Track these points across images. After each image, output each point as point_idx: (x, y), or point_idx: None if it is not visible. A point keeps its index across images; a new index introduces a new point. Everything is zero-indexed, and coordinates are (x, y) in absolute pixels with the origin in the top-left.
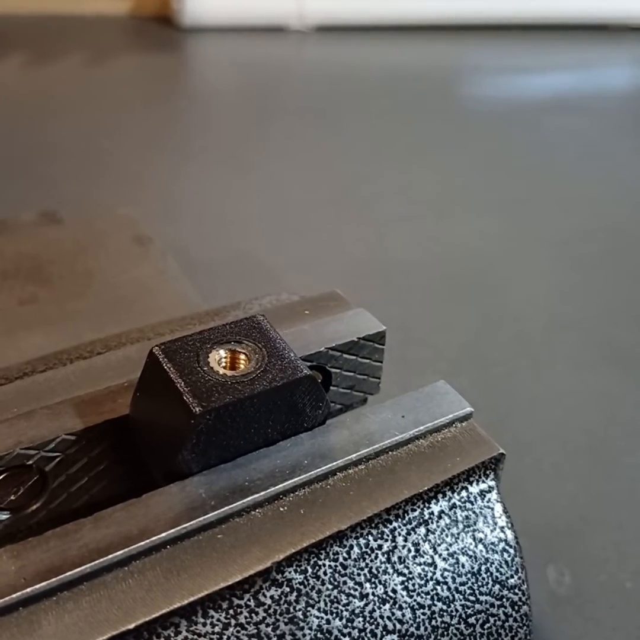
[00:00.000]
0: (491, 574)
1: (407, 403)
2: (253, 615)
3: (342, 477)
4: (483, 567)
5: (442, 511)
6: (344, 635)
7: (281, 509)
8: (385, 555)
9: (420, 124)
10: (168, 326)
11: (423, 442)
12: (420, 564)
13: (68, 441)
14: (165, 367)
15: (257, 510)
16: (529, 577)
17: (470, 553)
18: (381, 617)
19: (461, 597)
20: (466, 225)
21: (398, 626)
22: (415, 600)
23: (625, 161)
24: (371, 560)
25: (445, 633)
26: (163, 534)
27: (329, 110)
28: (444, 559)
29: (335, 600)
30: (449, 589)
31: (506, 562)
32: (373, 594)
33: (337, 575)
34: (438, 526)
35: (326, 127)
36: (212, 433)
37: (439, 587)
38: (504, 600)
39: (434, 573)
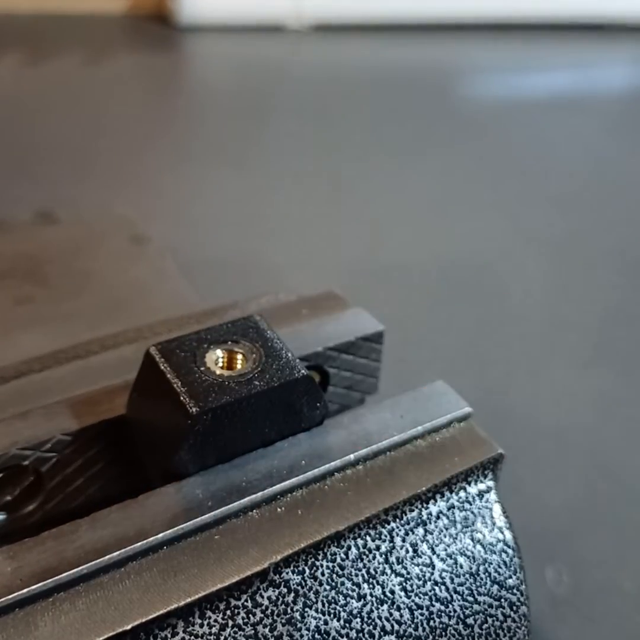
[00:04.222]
0: (489, 574)
1: (405, 403)
2: (250, 616)
3: (340, 477)
4: (481, 568)
5: (440, 512)
6: (342, 636)
7: (279, 510)
8: (383, 556)
9: (418, 123)
10: (165, 326)
11: (421, 442)
12: (418, 565)
13: (64, 441)
14: (162, 367)
15: (254, 511)
16: (527, 577)
17: (469, 554)
18: (379, 617)
19: (459, 597)
20: (465, 224)
21: (396, 627)
22: (413, 601)
23: (624, 160)
24: (369, 561)
25: (444, 634)
26: (160, 535)
27: (327, 109)
28: (442, 559)
29: (333, 601)
30: (447, 589)
31: (505, 562)
32: (371, 594)
33: (334, 576)
34: (436, 527)
35: (324, 127)
36: (209, 433)
37: (437, 588)
38: (503, 600)
39: (432, 574)
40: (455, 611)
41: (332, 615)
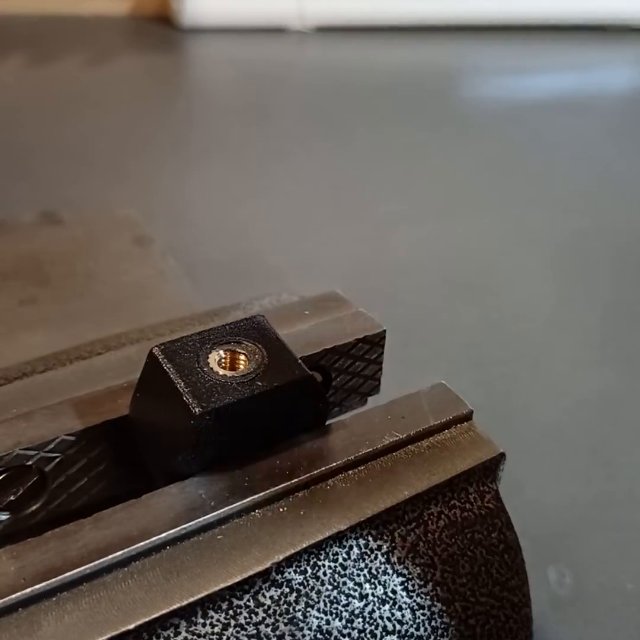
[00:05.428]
0: (491, 575)
1: (407, 404)
2: (253, 615)
3: (342, 477)
4: (483, 569)
5: (441, 512)
6: (344, 636)
7: (281, 510)
8: (385, 556)
9: (420, 124)
10: (168, 326)
11: (423, 442)
12: (419, 565)
13: (68, 442)
14: (165, 368)
15: (256, 511)
16: (529, 578)
17: (470, 554)
18: (381, 617)
19: (461, 598)
20: (466, 226)
21: (398, 627)
22: (414, 601)
23: (625, 162)
24: (371, 561)
25: (445, 634)
26: (163, 535)
27: (329, 110)
28: (443, 560)
29: (335, 600)
30: (448, 590)
31: (506, 563)
32: (373, 594)
33: (336, 575)
34: (437, 527)
35: (326, 128)
36: (211, 433)
37: (438, 588)
38: (504, 601)
39: (434, 574)
40: (457, 612)
41: (334, 615)
